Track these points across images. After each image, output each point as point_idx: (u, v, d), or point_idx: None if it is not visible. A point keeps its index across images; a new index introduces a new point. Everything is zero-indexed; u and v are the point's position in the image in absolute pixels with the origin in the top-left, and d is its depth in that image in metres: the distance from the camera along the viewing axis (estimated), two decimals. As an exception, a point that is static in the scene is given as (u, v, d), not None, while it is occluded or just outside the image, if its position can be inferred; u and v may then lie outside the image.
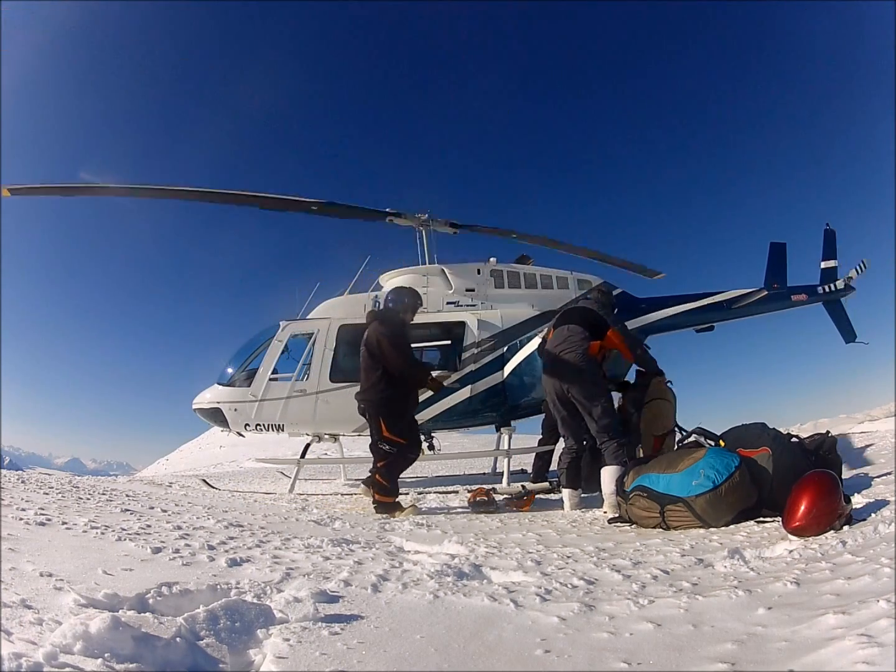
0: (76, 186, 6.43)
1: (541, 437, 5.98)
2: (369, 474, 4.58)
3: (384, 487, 4.30)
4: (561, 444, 5.81)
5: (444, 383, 5.08)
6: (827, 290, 7.72)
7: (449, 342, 6.24)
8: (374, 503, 4.34)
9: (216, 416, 6.33)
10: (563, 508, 4.21)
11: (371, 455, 4.49)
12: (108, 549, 2.39)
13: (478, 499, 4.33)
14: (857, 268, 7.83)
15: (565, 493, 4.23)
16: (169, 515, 3.48)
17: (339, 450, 7.67)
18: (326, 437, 6.38)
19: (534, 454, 5.99)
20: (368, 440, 4.55)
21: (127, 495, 4.38)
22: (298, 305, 6.79)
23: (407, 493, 5.30)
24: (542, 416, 5.90)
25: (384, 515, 4.10)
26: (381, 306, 4.95)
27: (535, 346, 5.62)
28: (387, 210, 6.94)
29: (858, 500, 2.83)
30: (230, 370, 6.51)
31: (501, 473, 5.79)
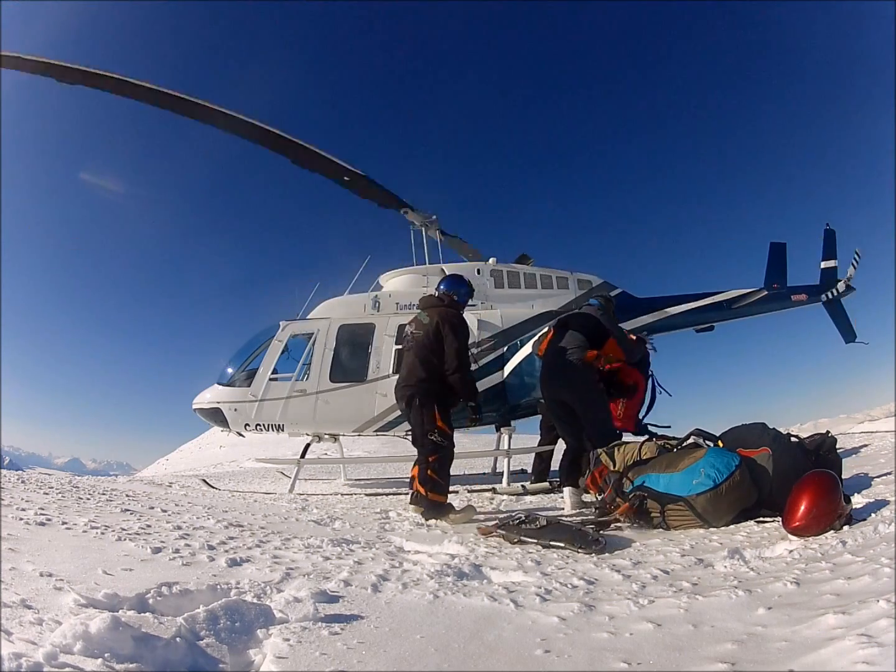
0: (76, 69, 5.90)
1: (540, 437, 5.98)
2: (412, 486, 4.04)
3: (437, 484, 3.84)
4: (561, 444, 5.83)
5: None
6: (828, 296, 7.70)
7: None
8: (420, 505, 3.86)
9: (216, 416, 6.33)
10: (563, 508, 4.21)
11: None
12: (108, 549, 2.39)
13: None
14: (853, 262, 7.81)
15: (566, 492, 4.24)
16: (169, 515, 3.47)
17: (339, 450, 7.67)
18: (326, 437, 6.38)
19: (533, 454, 5.99)
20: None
21: (127, 495, 4.38)
22: (298, 305, 6.81)
23: (407, 494, 5.30)
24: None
25: (417, 517, 3.79)
26: (439, 294, 4.42)
27: (532, 344, 5.64)
28: (405, 201, 6.97)
29: (858, 500, 2.83)
30: (230, 370, 6.51)
31: (501, 473, 5.79)
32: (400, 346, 6.10)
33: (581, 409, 4.18)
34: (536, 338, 4.98)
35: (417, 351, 4.11)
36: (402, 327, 6.20)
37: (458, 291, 4.44)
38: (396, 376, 5.85)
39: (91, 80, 6.03)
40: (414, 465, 4.21)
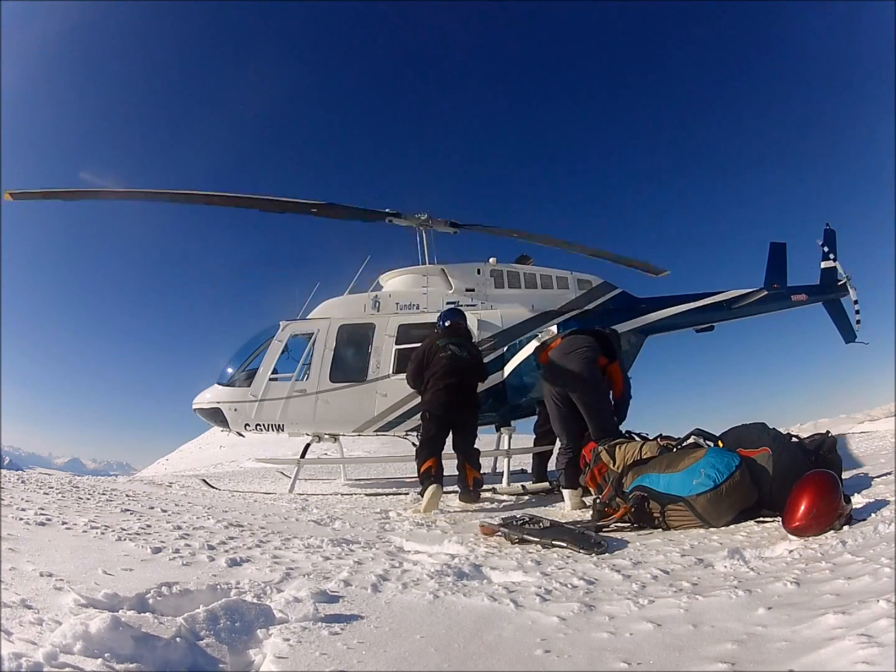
0: (76, 191, 6.61)
1: (535, 438, 5.98)
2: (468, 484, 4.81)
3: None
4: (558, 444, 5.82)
5: None
6: (833, 285, 7.70)
7: None
8: (474, 488, 4.74)
9: (216, 416, 6.32)
10: (562, 509, 4.21)
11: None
12: (108, 549, 2.39)
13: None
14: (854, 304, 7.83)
15: (566, 494, 4.24)
16: (169, 515, 3.47)
17: (339, 450, 7.67)
18: (326, 437, 6.38)
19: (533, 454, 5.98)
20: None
21: (127, 495, 4.38)
22: (298, 305, 6.80)
23: (407, 493, 5.30)
24: None
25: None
26: (448, 325, 5.22)
27: (532, 349, 5.63)
28: (386, 210, 6.94)
29: (858, 500, 2.83)
30: (230, 370, 6.50)
31: (501, 473, 5.79)
32: (401, 347, 6.12)
33: (585, 402, 4.21)
34: (539, 345, 5.00)
35: (474, 374, 5.09)
36: (402, 327, 6.21)
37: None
38: (396, 376, 5.88)
39: (91, 195, 6.78)
40: (427, 459, 4.66)
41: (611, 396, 4.64)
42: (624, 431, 4.34)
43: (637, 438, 4.06)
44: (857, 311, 7.69)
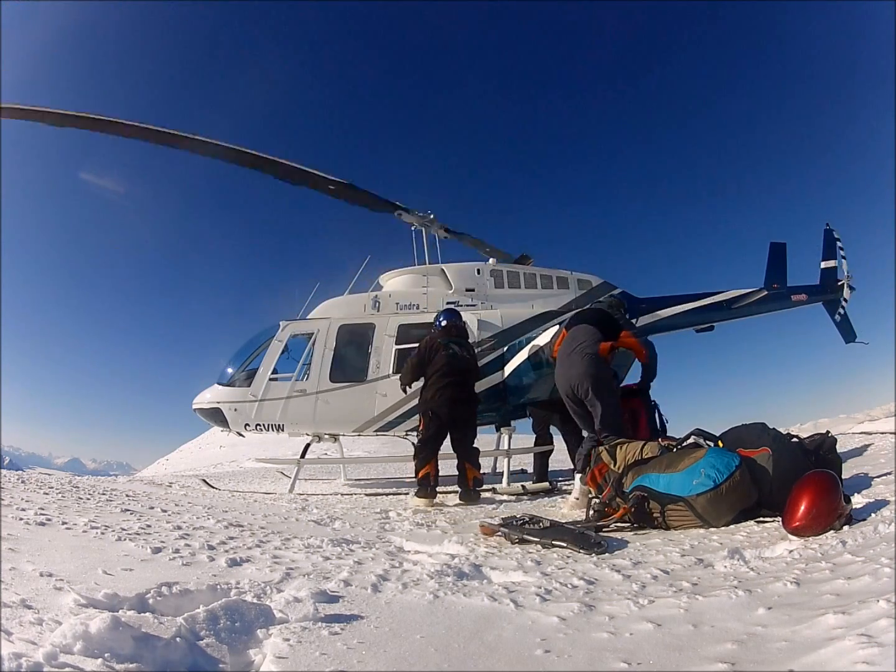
0: (76, 115, 6.26)
1: (535, 438, 5.99)
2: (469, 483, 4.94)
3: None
4: (560, 445, 5.83)
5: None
6: (836, 298, 7.75)
7: None
8: (475, 488, 4.87)
9: (216, 416, 6.32)
10: (562, 508, 4.17)
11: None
12: (108, 549, 2.39)
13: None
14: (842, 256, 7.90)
15: (577, 478, 4.12)
16: (169, 515, 3.48)
17: (339, 450, 7.67)
18: (326, 437, 6.38)
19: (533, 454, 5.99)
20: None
21: (127, 495, 4.38)
22: (298, 305, 6.80)
23: (407, 493, 5.31)
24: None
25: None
26: (444, 324, 5.32)
27: (538, 346, 5.65)
28: (398, 203, 6.96)
29: (858, 500, 2.83)
30: (230, 370, 6.51)
31: (501, 473, 5.79)
32: (401, 347, 6.12)
33: (589, 401, 4.22)
34: (548, 340, 5.04)
35: (472, 373, 5.27)
36: (402, 327, 6.22)
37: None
38: (396, 376, 5.89)
39: (85, 123, 6.36)
40: (426, 463, 4.81)
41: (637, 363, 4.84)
42: (653, 403, 4.76)
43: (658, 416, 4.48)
44: (843, 309, 7.73)
